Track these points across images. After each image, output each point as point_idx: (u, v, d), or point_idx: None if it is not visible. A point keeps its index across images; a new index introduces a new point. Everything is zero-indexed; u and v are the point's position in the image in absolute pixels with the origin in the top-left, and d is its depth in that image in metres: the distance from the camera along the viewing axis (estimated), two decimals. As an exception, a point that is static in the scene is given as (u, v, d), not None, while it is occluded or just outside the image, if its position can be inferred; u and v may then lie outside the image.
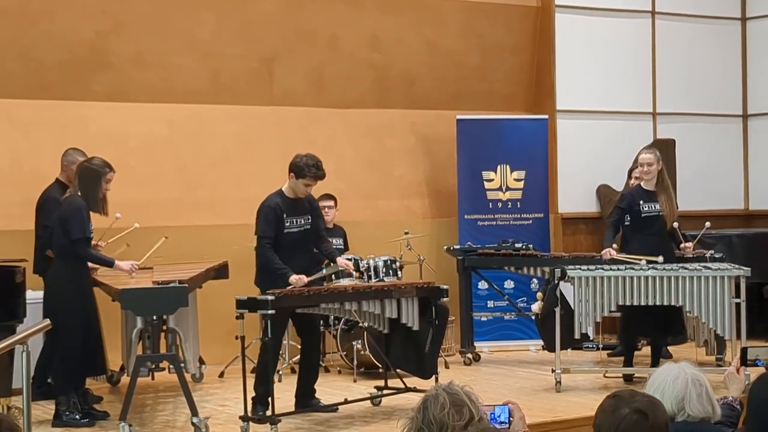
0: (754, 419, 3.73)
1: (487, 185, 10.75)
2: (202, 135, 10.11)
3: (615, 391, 3.35)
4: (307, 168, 7.39)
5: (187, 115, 10.05)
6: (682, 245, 8.85)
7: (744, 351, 4.40)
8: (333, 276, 8.49)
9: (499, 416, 3.71)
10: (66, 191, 7.76)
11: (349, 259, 9.13)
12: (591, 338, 9.47)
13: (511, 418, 3.72)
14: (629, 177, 10.21)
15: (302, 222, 7.57)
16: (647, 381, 4.04)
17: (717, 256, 8.91)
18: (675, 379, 3.87)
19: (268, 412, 6.91)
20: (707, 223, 9.25)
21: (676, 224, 8.69)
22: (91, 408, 7.50)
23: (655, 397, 3.34)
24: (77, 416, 7.23)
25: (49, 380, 7.83)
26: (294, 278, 7.29)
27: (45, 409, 7.54)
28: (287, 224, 7.49)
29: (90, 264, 7.50)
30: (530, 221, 10.81)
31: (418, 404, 3.29)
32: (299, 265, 7.44)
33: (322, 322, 8.95)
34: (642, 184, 8.74)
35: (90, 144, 8.33)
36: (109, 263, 7.45)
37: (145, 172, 9.65)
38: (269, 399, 6.92)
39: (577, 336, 8.22)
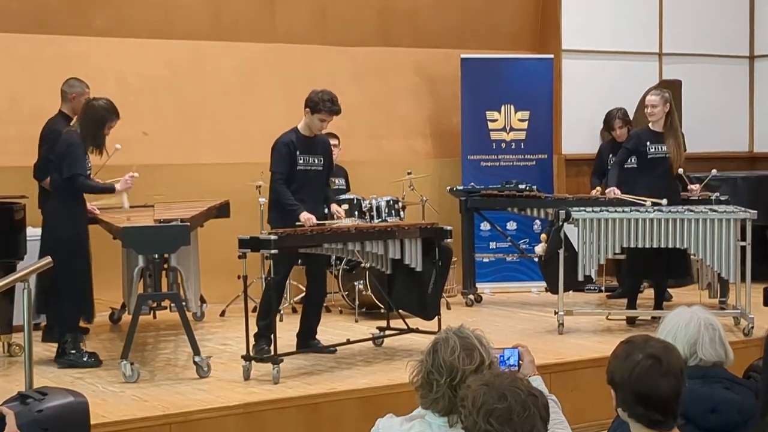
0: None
1: (490, 125, 10.66)
2: (203, 72, 9.99)
3: (629, 336, 3.29)
4: (322, 103, 7.36)
5: (188, 52, 9.90)
6: (688, 187, 8.81)
7: None
8: None
9: (508, 359, 3.68)
10: (69, 123, 7.60)
11: (351, 200, 9.10)
12: (594, 280, 9.47)
13: (520, 361, 3.69)
14: (610, 128, 10.06)
15: (316, 161, 7.54)
16: (659, 325, 4.00)
17: (722, 198, 8.84)
18: (687, 324, 3.83)
19: (272, 347, 6.86)
20: (713, 171, 9.14)
21: (680, 170, 8.61)
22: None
23: (669, 343, 3.29)
24: (84, 356, 7.17)
25: (43, 323, 7.70)
26: (304, 216, 7.26)
27: (46, 346, 7.50)
28: (300, 161, 7.46)
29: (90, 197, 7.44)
30: (534, 162, 10.73)
31: (428, 348, 3.24)
32: (310, 205, 7.41)
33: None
34: (650, 125, 8.63)
35: (89, 80, 8.19)
36: (110, 189, 7.33)
37: (145, 108, 9.53)
38: (271, 335, 6.88)
39: (580, 278, 8.16)
